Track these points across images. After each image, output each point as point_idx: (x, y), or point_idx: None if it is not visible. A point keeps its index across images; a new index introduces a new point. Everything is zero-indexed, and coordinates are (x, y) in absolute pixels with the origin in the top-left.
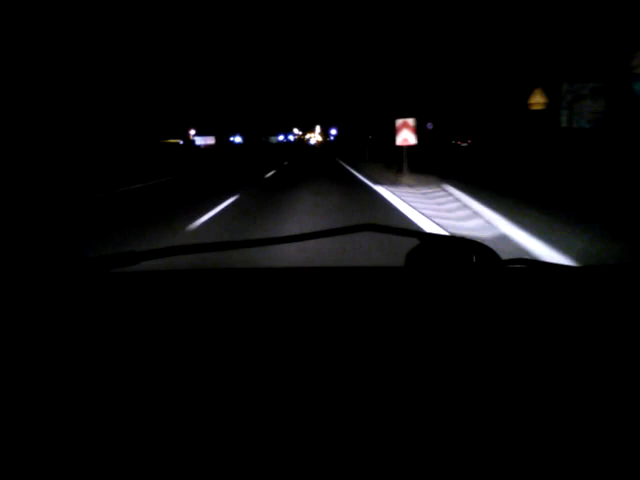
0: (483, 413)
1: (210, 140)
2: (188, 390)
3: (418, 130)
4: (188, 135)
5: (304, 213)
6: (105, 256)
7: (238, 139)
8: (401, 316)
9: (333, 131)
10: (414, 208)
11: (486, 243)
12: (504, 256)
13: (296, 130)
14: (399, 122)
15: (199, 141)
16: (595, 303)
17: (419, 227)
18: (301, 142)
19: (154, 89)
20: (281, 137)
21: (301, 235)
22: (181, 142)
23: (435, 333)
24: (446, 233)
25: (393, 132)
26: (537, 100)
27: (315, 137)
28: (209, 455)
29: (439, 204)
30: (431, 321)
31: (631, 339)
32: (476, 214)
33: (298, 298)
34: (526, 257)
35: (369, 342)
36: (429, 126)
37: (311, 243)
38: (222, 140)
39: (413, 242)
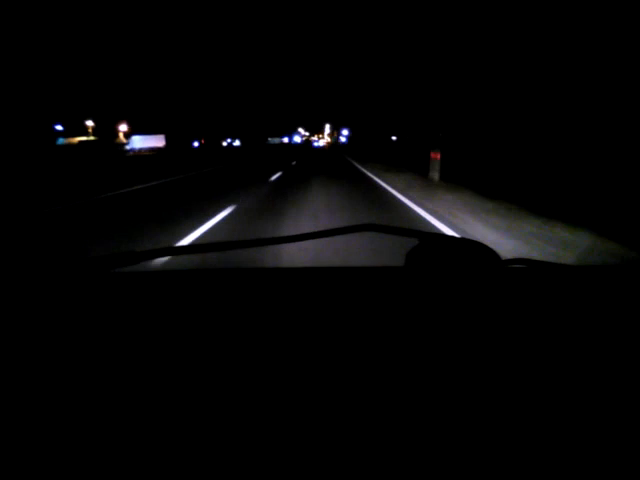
0: (483, 412)
1: (155, 141)
2: (189, 389)
3: None
4: (116, 132)
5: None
6: (106, 256)
7: (237, 142)
8: (401, 316)
9: (345, 132)
10: None
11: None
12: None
13: (302, 130)
14: None
15: (137, 143)
16: (595, 303)
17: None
18: (307, 144)
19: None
20: (286, 139)
21: (301, 235)
22: (84, 140)
23: (435, 333)
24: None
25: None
26: None
27: (324, 138)
28: (211, 453)
29: None
30: (431, 321)
31: (630, 338)
32: None
33: (298, 298)
34: (526, 257)
35: (369, 342)
36: None
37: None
38: (214, 142)
39: (413, 242)
